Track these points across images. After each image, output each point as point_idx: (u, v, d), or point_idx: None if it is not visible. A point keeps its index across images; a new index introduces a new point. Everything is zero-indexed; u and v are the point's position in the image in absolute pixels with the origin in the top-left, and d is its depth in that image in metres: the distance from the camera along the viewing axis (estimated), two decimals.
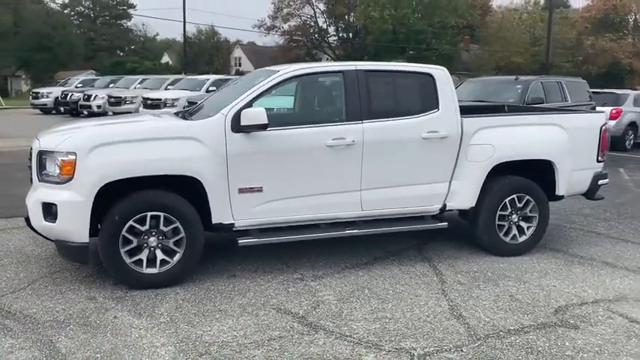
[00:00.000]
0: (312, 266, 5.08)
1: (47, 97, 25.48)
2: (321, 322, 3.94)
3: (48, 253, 5.22)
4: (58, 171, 4.23)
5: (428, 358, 3.48)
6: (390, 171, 5.02)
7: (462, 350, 3.59)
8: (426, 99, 5.19)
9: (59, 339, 3.60)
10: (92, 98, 21.75)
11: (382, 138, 4.94)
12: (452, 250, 5.63)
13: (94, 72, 44.73)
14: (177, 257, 4.49)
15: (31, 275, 4.72)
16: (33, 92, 27.29)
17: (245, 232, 4.76)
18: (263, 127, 4.50)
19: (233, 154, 4.52)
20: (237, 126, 4.50)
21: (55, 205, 4.21)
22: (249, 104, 4.59)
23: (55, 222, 4.25)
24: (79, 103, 22.39)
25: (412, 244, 5.80)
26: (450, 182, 5.25)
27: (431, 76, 5.22)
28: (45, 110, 25.49)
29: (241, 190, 4.60)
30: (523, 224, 5.50)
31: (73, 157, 4.18)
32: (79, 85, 26.32)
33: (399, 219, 5.24)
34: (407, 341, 3.68)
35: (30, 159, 4.57)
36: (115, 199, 4.31)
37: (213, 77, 19.44)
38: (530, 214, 5.50)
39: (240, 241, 4.66)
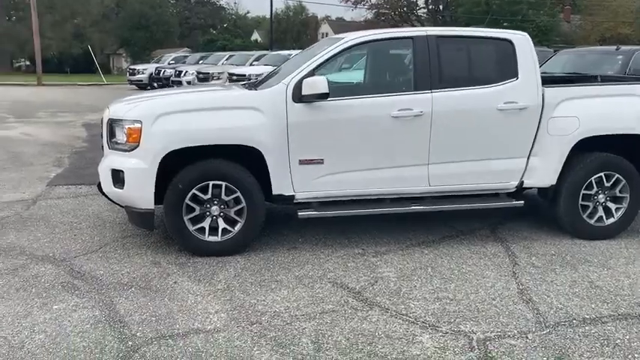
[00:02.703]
0: (375, 242, 4.93)
1: (142, 73, 26.79)
2: (377, 299, 3.79)
3: (122, 219, 5.44)
4: (125, 139, 4.35)
5: (488, 343, 3.25)
6: (462, 144, 4.72)
7: (527, 337, 3.31)
8: (503, 67, 4.80)
9: (120, 301, 3.72)
10: (182, 74, 22.52)
11: (453, 109, 4.64)
12: (529, 232, 5.25)
13: (188, 49, 46.42)
14: (238, 227, 4.50)
15: (104, 239, 4.94)
16: (130, 69, 28.84)
17: (306, 205, 4.68)
18: (324, 97, 4.35)
19: (294, 124, 4.42)
20: (298, 95, 4.39)
21: (123, 171, 4.34)
22: (311, 73, 4.46)
23: (122, 188, 4.39)
24: (171, 78, 23.32)
25: (486, 224, 5.47)
26: (529, 158, 4.86)
27: (510, 42, 4.81)
28: (140, 86, 26.79)
29: (302, 162, 4.50)
30: (611, 205, 5.00)
31: (139, 125, 4.27)
32: (171, 62, 27.39)
33: (471, 196, 4.94)
34: (467, 324, 3.46)
35: (102, 127, 4.74)
36: (181, 168, 4.38)
37: (295, 52, 19.46)
38: (619, 195, 4.99)
39: (299, 213, 4.59)
